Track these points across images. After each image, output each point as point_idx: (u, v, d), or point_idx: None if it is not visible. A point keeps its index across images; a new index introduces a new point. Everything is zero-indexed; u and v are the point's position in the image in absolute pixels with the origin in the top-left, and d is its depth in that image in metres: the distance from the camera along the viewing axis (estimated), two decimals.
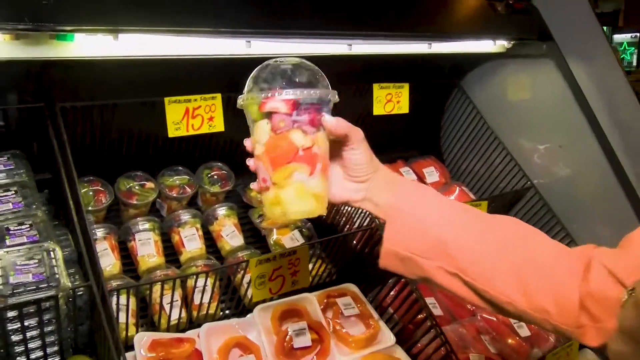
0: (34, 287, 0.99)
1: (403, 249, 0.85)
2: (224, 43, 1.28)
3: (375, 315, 1.47)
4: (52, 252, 1.06)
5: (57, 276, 1.02)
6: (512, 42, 1.81)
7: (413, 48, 1.61)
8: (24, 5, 0.93)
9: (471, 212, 0.88)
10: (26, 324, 1.05)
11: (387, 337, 1.42)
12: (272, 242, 1.63)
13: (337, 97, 0.85)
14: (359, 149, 0.87)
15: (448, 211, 0.86)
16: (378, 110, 1.80)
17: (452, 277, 0.83)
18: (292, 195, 0.82)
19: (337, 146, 0.88)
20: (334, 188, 0.89)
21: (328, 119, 0.83)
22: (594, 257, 0.82)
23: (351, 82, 1.74)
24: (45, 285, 1.01)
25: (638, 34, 7.02)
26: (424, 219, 0.85)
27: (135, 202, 1.49)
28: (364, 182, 0.89)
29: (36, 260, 1.03)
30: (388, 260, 0.88)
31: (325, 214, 0.85)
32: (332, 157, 0.88)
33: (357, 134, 0.86)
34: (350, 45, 1.41)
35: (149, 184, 1.53)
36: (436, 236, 0.83)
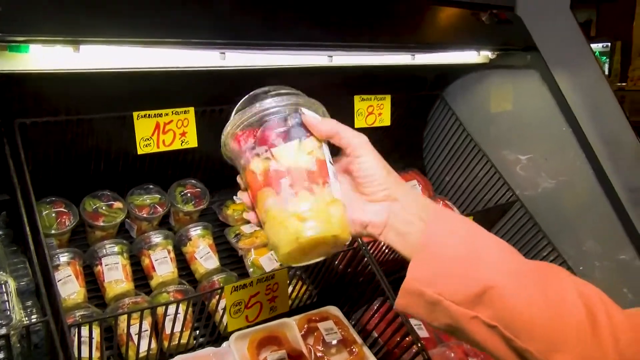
0: None
1: (433, 291, 0.70)
2: (196, 54, 1.20)
3: (359, 340, 1.39)
4: (3, 285, 0.96)
5: (8, 312, 0.93)
6: (496, 53, 1.77)
7: (395, 59, 1.55)
8: None
9: (521, 257, 0.73)
10: None
11: None
12: (249, 263, 1.55)
13: (300, 102, 0.74)
14: (363, 156, 0.73)
15: (495, 251, 0.71)
16: (359, 123, 1.73)
17: (488, 330, 0.68)
18: (273, 227, 0.71)
19: (344, 161, 0.77)
20: (348, 212, 0.74)
21: (308, 118, 0.73)
22: None
23: (331, 94, 1.67)
24: None
25: (609, 44, 7.14)
26: (467, 260, 0.70)
27: (101, 223, 1.39)
28: (381, 200, 0.73)
29: None
30: (410, 301, 0.73)
31: (344, 238, 0.72)
32: (342, 173, 0.77)
33: (356, 138, 0.74)
34: (331, 56, 1.34)
35: (117, 204, 1.44)
36: (479, 281, 0.68)
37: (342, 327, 1.40)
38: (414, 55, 1.52)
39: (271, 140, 0.71)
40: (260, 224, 0.75)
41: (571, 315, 0.68)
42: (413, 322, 1.45)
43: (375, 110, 1.76)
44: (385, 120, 1.79)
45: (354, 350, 1.35)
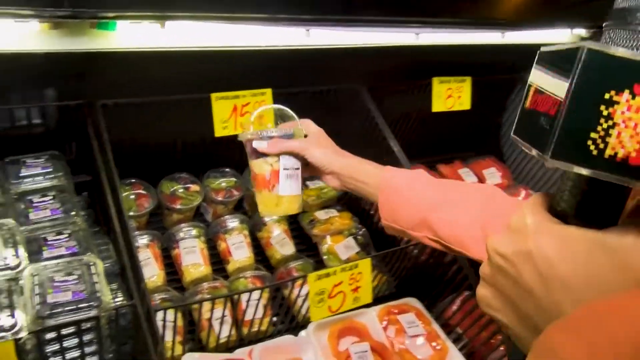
0: (74, 307, 0.89)
1: (397, 225, 1.01)
2: (279, 32, 1.15)
3: (443, 335, 1.32)
4: (92, 267, 0.95)
5: (98, 294, 0.91)
6: (591, 31, 1.63)
7: (483, 38, 1.45)
8: None
9: (450, 189, 0.99)
10: (65, 345, 0.95)
11: None
12: (324, 250, 1.50)
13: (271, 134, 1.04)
14: (307, 157, 1.04)
15: (429, 191, 0.98)
16: (438, 106, 1.65)
17: (435, 242, 0.96)
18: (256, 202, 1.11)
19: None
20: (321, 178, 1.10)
21: (258, 147, 1.04)
22: None
23: (409, 76, 1.59)
24: (86, 304, 0.90)
25: None
26: (410, 201, 0.98)
27: (179, 206, 1.38)
28: (330, 174, 1.06)
29: (76, 276, 0.92)
30: (389, 229, 1.04)
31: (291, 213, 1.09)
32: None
33: (299, 147, 1.03)
34: (418, 34, 1.26)
35: (194, 187, 1.42)
36: (420, 214, 0.97)
37: (423, 321, 1.33)
38: (503, 33, 1.42)
39: (254, 155, 1.06)
40: None
41: (478, 221, 0.90)
42: None
43: (455, 92, 1.67)
44: (464, 103, 1.69)
45: (437, 345, 1.28)
